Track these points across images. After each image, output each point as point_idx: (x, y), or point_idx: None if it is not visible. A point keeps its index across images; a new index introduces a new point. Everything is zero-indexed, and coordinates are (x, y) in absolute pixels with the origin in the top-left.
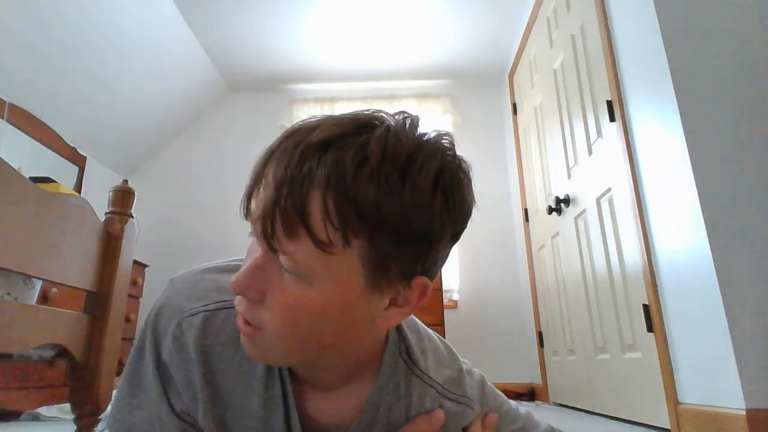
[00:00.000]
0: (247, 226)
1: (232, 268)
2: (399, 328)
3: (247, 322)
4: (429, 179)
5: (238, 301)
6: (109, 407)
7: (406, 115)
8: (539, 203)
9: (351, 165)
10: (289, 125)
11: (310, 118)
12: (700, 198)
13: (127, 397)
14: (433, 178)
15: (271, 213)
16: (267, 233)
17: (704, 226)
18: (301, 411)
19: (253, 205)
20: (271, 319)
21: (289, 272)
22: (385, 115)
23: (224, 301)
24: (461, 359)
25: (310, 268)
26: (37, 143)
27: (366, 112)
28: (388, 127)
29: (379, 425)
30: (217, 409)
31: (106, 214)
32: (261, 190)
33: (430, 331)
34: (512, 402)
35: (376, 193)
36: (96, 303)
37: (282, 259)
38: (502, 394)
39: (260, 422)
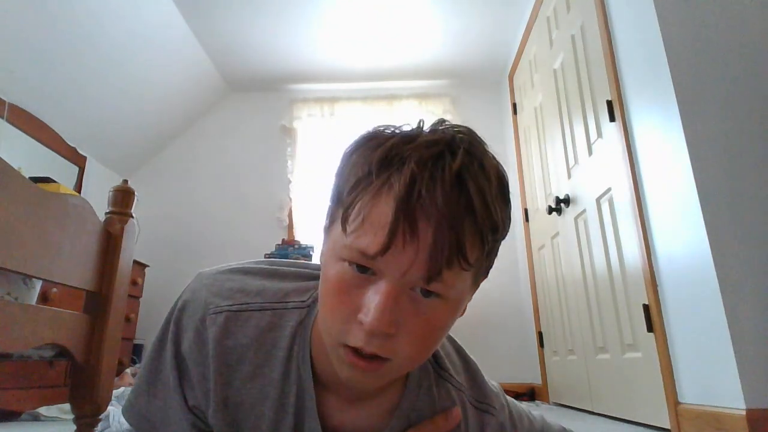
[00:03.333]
0: (247, 227)
1: (257, 272)
2: None
3: (373, 358)
4: (508, 187)
5: (367, 341)
6: (110, 404)
7: (466, 129)
8: (539, 203)
9: (488, 193)
10: (289, 125)
11: (396, 141)
12: (700, 198)
13: (144, 385)
14: (508, 184)
15: (437, 252)
16: (433, 271)
17: (704, 226)
18: (323, 421)
19: (393, 247)
20: (407, 344)
21: (435, 296)
22: (450, 127)
23: (248, 303)
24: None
25: (454, 288)
26: (37, 143)
27: (441, 129)
28: (480, 146)
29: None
30: (228, 408)
31: (106, 214)
32: (407, 232)
33: None
34: (523, 405)
35: (500, 211)
36: (96, 303)
37: (432, 286)
38: (515, 401)
39: (270, 427)
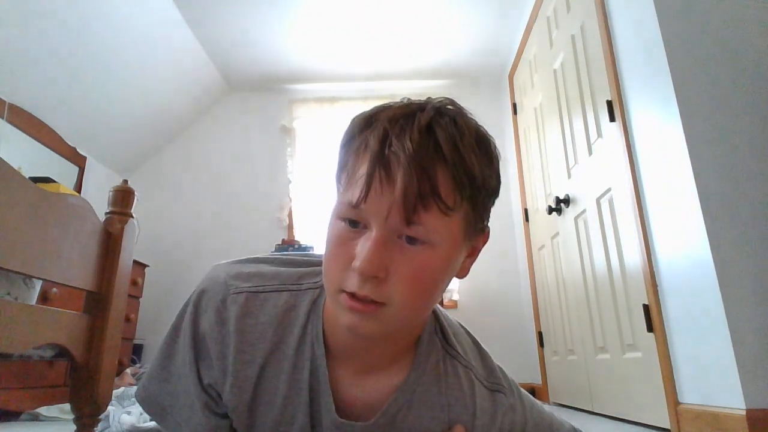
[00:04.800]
0: (247, 227)
1: (272, 260)
2: (433, 309)
3: (368, 302)
4: (493, 147)
5: (361, 284)
6: (110, 404)
7: (448, 100)
8: (539, 203)
9: (459, 142)
10: (289, 125)
11: (380, 107)
12: (700, 198)
13: (158, 369)
14: (494, 146)
15: (410, 192)
16: (409, 211)
17: (704, 226)
18: (336, 395)
19: (372, 193)
20: (399, 290)
21: (420, 241)
22: (432, 99)
23: (265, 285)
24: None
25: (437, 232)
26: (37, 143)
27: (419, 99)
28: (453, 107)
29: (415, 406)
30: (245, 385)
31: (106, 214)
32: (384, 179)
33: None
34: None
35: (477, 161)
36: (96, 303)
37: (413, 230)
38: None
39: (283, 401)
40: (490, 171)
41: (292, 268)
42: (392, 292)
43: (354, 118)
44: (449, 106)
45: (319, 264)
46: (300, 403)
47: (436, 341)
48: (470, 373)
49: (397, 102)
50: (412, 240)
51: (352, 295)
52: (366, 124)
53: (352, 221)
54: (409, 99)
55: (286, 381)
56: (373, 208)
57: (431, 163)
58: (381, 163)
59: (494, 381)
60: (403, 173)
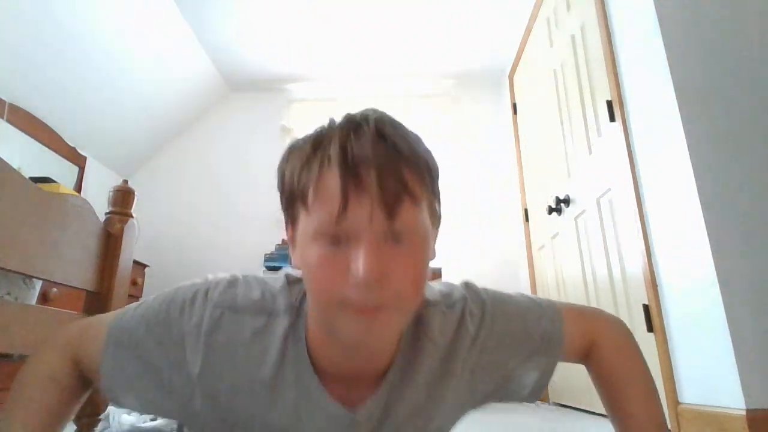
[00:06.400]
0: (247, 227)
1: (249, 279)
2: None
3: (375, 308)
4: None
5: (367, 293)
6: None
7: (371, 109)
8: (539, 203)
9: (409, 140)
10: (289, 125)
11: (322, 129)
12: (700, 198)
13: (153, 317)
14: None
15: (386, 192)
16: (390, 208)
17: (704, 226)
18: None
19: (351, 202)
20: (402, 287)
21: (404, 237)
22: (363, 110)
23: (242, 305)
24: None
25: (414, 224)
26: (37, 143)
27: (347, 115)
28: (387, 115)
29: (407, 384)
30: (218, 404)
31: (106, 214)
32: (357, 186)
33: None
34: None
35: (427, 154)
36: (96, 303)
37: (397, 224)
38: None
39: (261, 427)
40: (435, 160)
41: (267, 286)
42: (396, 291)
43: (297, 145)
44: (381, 113)
45: (291, 281)
46: (286, 424)
47: (413, 328)
48: (437, 309)
49: (329, 123)
50: (397, 237)
51: (357, 307)
52: (316, 145)
53: (333, 238)
54: (332, 119)
55: (264, 405)
56: (355, 216)
57: (395, 162)
58: (351, 172)
59: (450, 303)
60: (375, 176)
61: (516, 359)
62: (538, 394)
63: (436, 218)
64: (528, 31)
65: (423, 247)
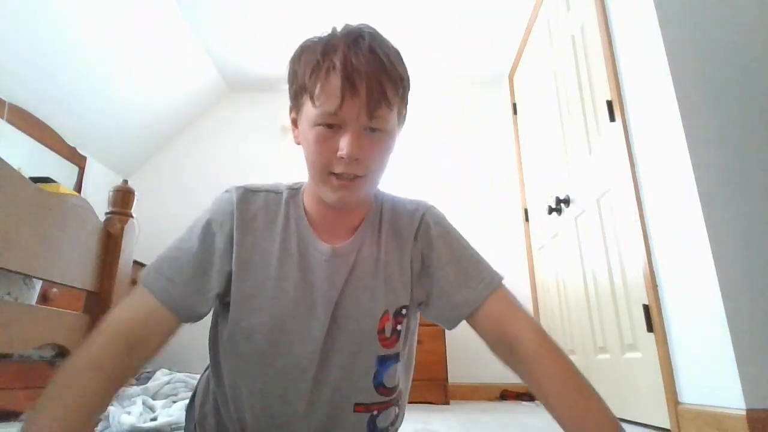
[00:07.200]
0: None
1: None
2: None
3: (352, 179)
4: (402, 58)
5: (346, 166)
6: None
7: (364, 24)
8: (539, 203)
9: (391, 55)
10: (288, 125)
11: (329, 38)
12: (700, 197)
13: (170, 248)
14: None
15: (371, 98)
16: (372, 110)
17: (704, 226)
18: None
19: (345, 101)
20: (371, 165)
21: (378, 130)
22: (360, 25)
23: (258, 187)
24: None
25: (387, 122)
26: (37, 143)
27: (350, 26)
28: (376, 32)
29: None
30: (244, 248)
31: (106, 214)
32: (351, 90)
33: None
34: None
35: (402, 68)
36: (96, 303)
37: (375, 122)
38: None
39: (278, 262)
40: (408, 73)
41: (276, 184)
42: (366, 167)
43: (310, 46)
44: (371, 29)
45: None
46: (292, 261)
47: (376, 214)
48: (399, 209)
49: (338, 30)
50: (373, 130)
51: (339, 176)
52: (325, 50)
53: (328, 125)
54: (335, 28)
55: (278, 248)
56: (347, 112)
57: (379, 75)
58: (348, 79)
59: (413, 201)
60: (365, 85)
61: (452, 281)
62: (453, 323)
63: (402, 118)
64: (528, 31)
65: (390, 139)
